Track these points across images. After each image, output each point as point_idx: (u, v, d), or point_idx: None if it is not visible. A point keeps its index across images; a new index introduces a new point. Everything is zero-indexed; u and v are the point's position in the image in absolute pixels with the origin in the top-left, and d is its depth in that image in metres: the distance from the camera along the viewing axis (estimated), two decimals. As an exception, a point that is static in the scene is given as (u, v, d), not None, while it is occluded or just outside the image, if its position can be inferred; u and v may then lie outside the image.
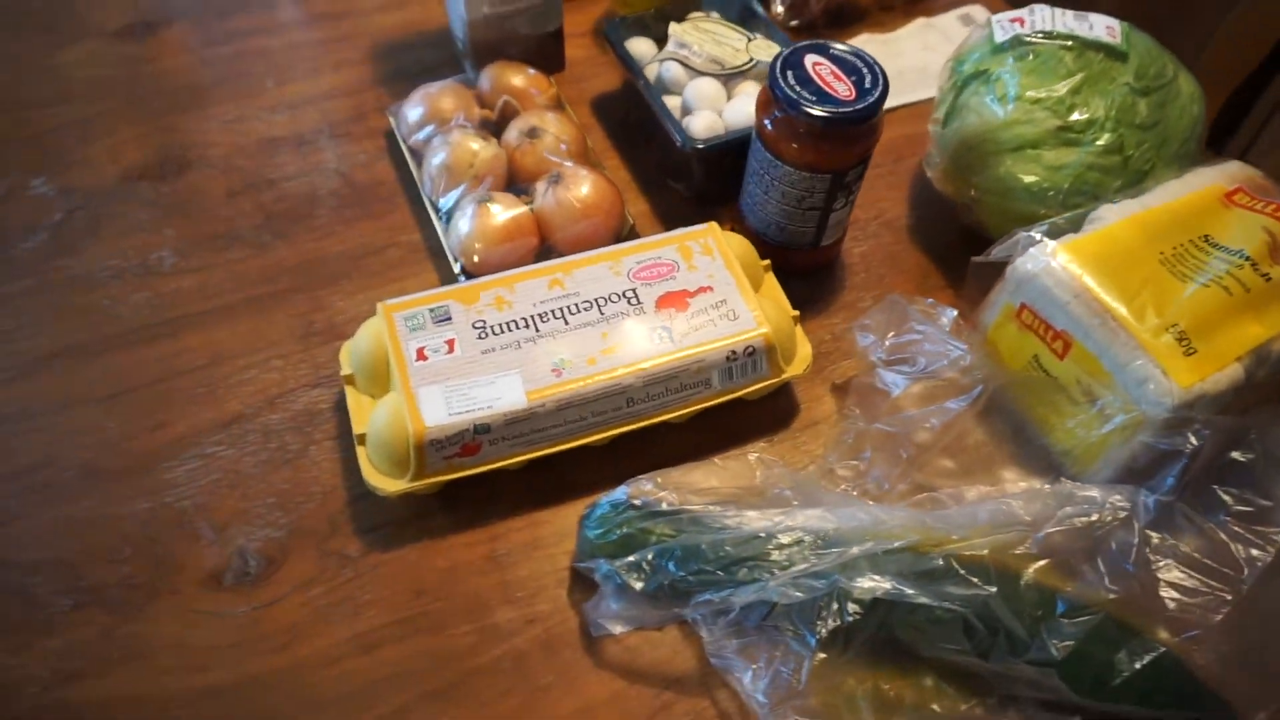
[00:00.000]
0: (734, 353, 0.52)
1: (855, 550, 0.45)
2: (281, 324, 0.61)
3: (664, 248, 0.56)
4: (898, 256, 0.66)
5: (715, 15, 0.69)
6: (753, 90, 0.66)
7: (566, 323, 0.52)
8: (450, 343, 0.51)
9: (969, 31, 0.77)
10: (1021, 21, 0.59)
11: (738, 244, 0.57)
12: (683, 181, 0.67)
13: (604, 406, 0.51)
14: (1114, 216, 0.52)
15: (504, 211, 0.59)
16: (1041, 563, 0.46)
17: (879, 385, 0.54)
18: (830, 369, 0.60)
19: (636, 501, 0.49)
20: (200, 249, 0.64)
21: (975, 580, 0.45)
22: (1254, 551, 0.46)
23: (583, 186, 0.61)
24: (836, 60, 0.55)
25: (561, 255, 0.60)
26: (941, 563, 0.46)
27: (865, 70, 0.54)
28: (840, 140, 0.54)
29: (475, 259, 0.59)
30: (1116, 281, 0.49)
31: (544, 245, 0.61)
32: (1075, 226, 0.54)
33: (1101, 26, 0.57)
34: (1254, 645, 0.45)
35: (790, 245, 0.61)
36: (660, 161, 0.69)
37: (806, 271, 0.63)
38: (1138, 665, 0.44)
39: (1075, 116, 0.55)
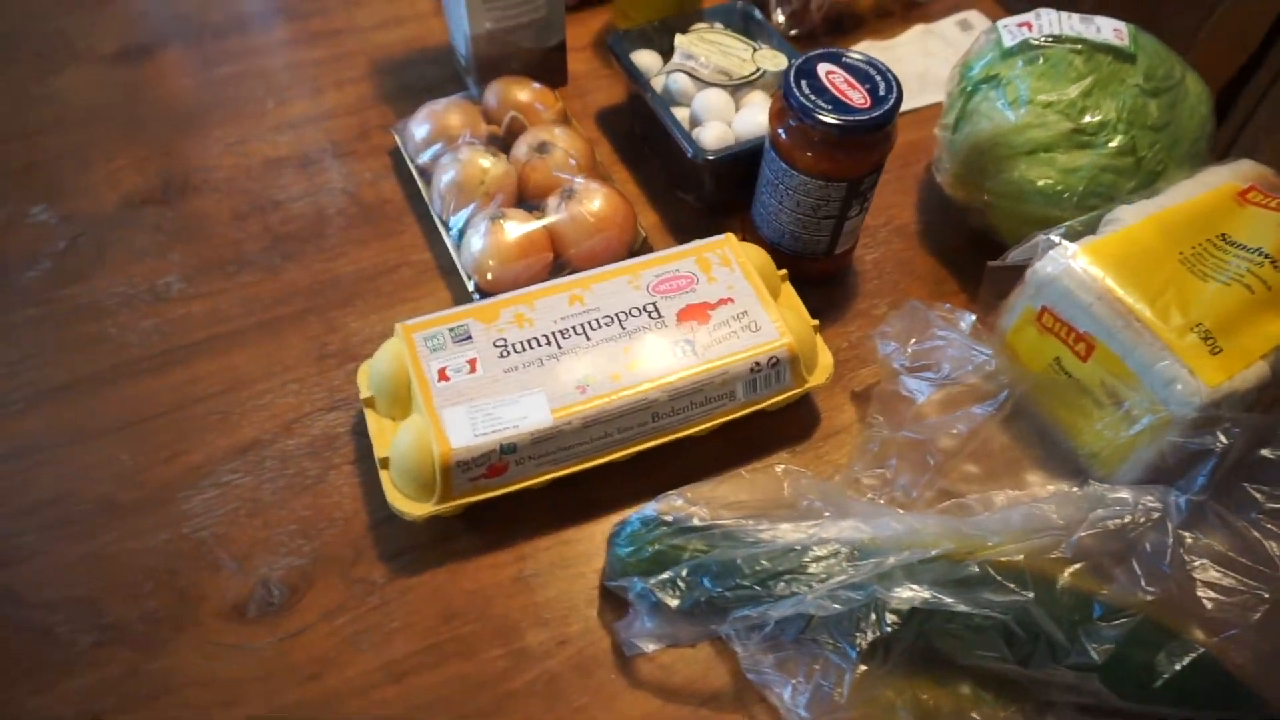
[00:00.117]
0: (758, 364, 0.52)
1: (891, 560, 0.45)
2: (295, 347, 0.60)
3: (682, 260, 0.56)
4: (910, 262, 0.66)
5: (719, 26, 0.69)
6: (760, 100, 0.66)
7: (588, 339, 0.52)
8: (472, 362, 0.51)
9: (968, 37, 0.78)
10: (1029, 26, 0.59)
11: (755, 254, 0.57)
12: (693, 192, 0.67)
13: (629, 422, 0.51)
14: (1131, 217, 0.53)
15: (517, 228, 0.59)
16: (1076, 566, 0.46)
17: (903, 392, 0.54)
18: (849, 377, 0.60)
19: (667, 518, 0.49)
20: (208, 273, 0.63)
21: (1012, 586, 0.45)
22: (1287, 548, 0.46)
23: (595, 201, 0.60)
24: (849, 68, 0.55)
25: (576, 270, 0.60)
26: (977, 570, 0.45)
27: (879, 77, 0.54)
28: (856, 148, 0.54)
29: (489, 276, 0.59)
30: (1138, 282, 0.49)
31: (558, 260, 0.61)
32: (1091, 229, 0.54)
33: (1109, 29, 0.58)
34: (1290, 642, 0.45)
35: (804, 254, 0.61)
36: (669, 173, 0.69)
37: (820, 280, 0.63)
38: (1178, 666, 0.44)
39: (1087, 119, 0.55)
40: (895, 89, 0.54)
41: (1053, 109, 0.56)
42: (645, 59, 0.68)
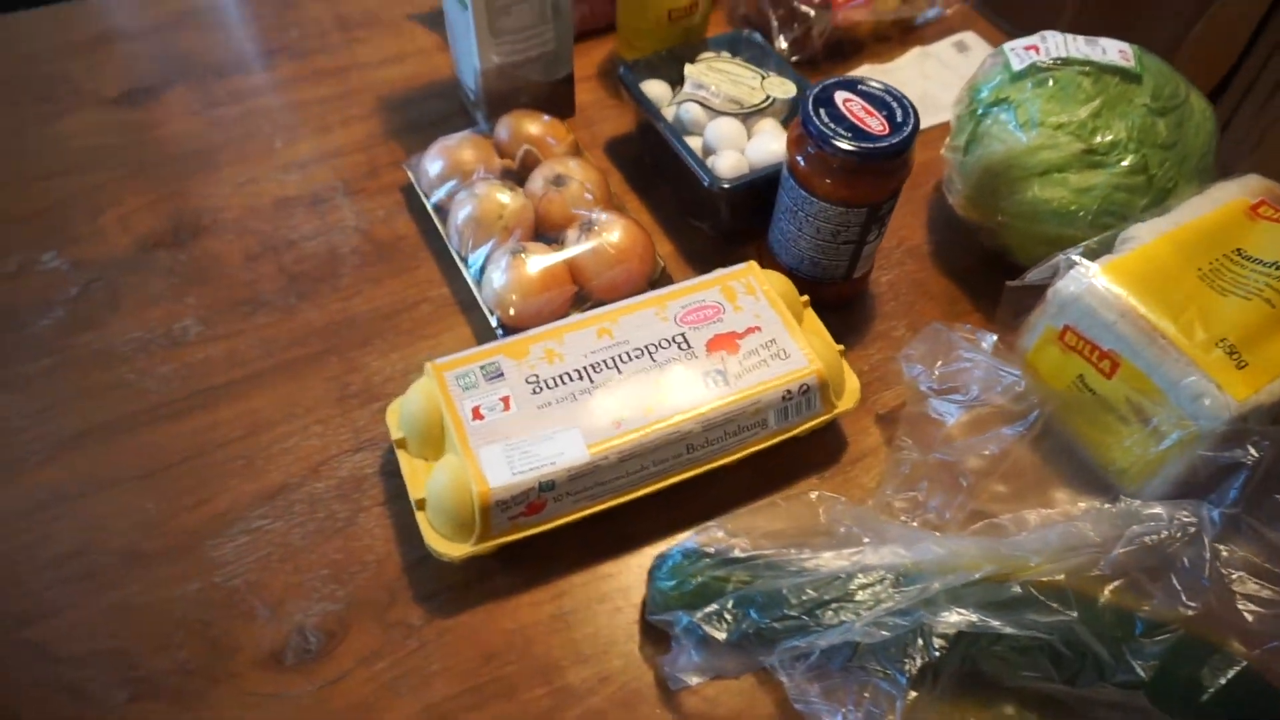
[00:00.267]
0: (789, 392, 0.52)
1: (936, 585, 0.45)
2: (316, 388, 0.60)
3: (707, 290, 0.56)
4: (924, 283, 0.67)
5: (727, 55, 0.70)
6: (772, 128, 0.66)
7: (620, 372, 0.52)
8: (505, 400, 0.51)
9: (965, 58, 0.80)
10: (1036, 49, 0.60)
11: (778, 281, 0.58)
12: (708, 221, 0.67)
13: (664, 455, 0.51)
14: (1147, 235, 0.53)
15: (538, 262, 0.59)
16: (1115, 584, 0.46)
17: (932, 415, 0.54)
18: (872, 400, 0.61)
19: (708, 549, 0.49)
20: (225, 316, 0.63)
21: (1056, 606, 0.45)
22: (1322, 558, 0.47)
23: (615, 232, 0.61)
24: (866, 96, 0.56)
25: (597, 302, 0.60)
26: (1020, 591, 0.46)
27: (895, 104, 0.55)
28: (876, 174, 0.55)
29: (512, 311, 0.59)
30: (1160, 299, 0.50)
31: (578, 293, 0.61)
32: (1107, 247, 0.55)
33: (1114, 50, 0.59)
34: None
35: (823, 279, 0.61)
36: (683, 202, 0.69)
37: (838, 304, 0.64)
38: (1222, 680, 0.44)
39: (1098, 139, 0.56)
40: (912, 115, 0.54)
41: (1064, 130, 0.57)
42: (655, 89, 0.69)
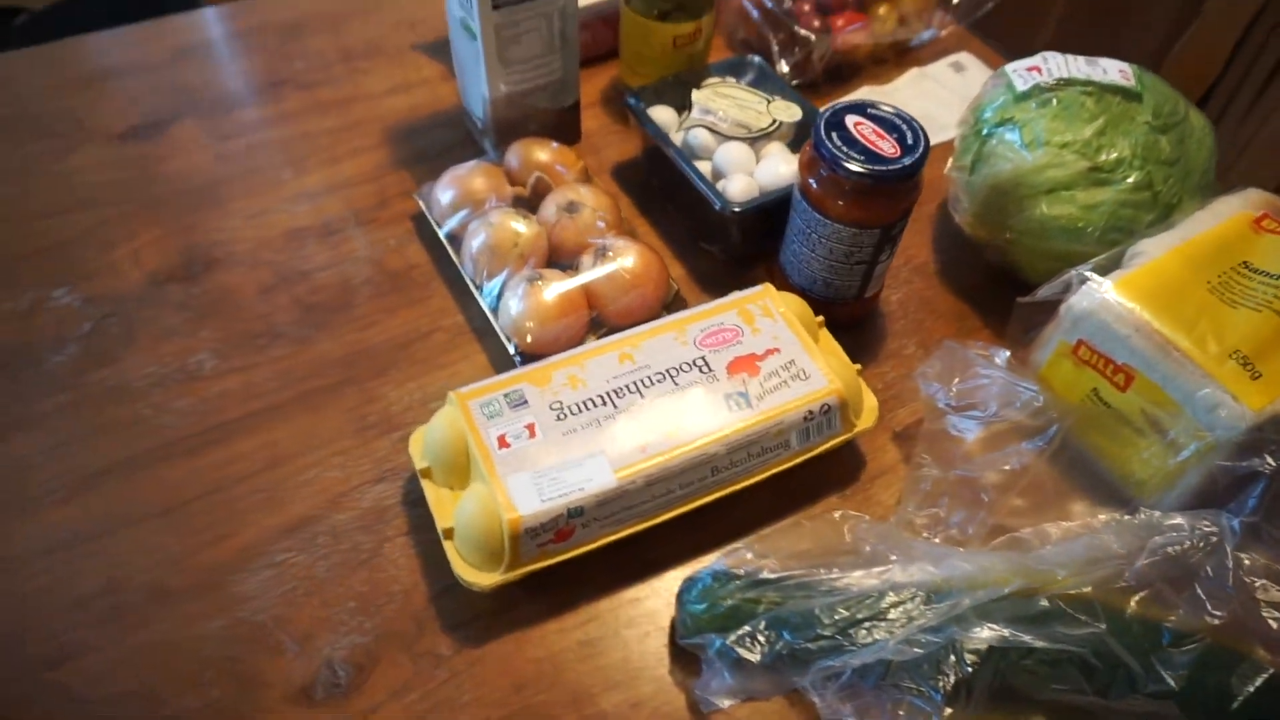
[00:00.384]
0: (811, 412, 0.53)
1: (966, 601, 0.46)
2: (335, 419, 0.60)
3: (725, 313, 0.56)
4: (932, 301, 0.68)
5: (731, 80, 0.71)
6: (779, 151, 0.67)
7: (642, 396, 0.52)
8: (530, 427, 0.51)
9: (961, 78, 0.81)
10: (1038, 70, 0.61)
11: (793, 303, 0.58)
12: (718, 244, 0.68)
13: (690, 478, 0.51)
14: (1156, 250, 0.55)
15: (555, 288, 0.59)
16: (1141, 594, 0.47)
17: (951, 432, 0.55)
18: (888, 417, 0.61)
19: (738, 571, 0.49)
20: (240, 349, 0.63)
21: (1084, 618, 0.45)
22: (1341, 564, 0.47)
23: (629, 257, 0.61)
24: (876, 119, 0.57)
25: (612, 326, 0.61)
26: (1048, 604, 0.46)
27: (905, 127, 0.56)
28: (888, 196, 0.56)
29: (529, 338, 0.59)
30: (1173, 313, 0.51)
31: (594, 318, 0.61)
32: (1115, 263, 0.56)
33: (1115, 70, 0.60)
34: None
35: (835, 299, 0.62)
36: (693, 225, 0.70)
37: (850, 323, 0.65)
38: (1250, 688, 0.45)
39: (1103, 157, 0.57)
40: (923, 138, 0.55)
41: (1070, 149, 0.58)
42: (661, 115, 0.70)
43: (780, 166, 0.65)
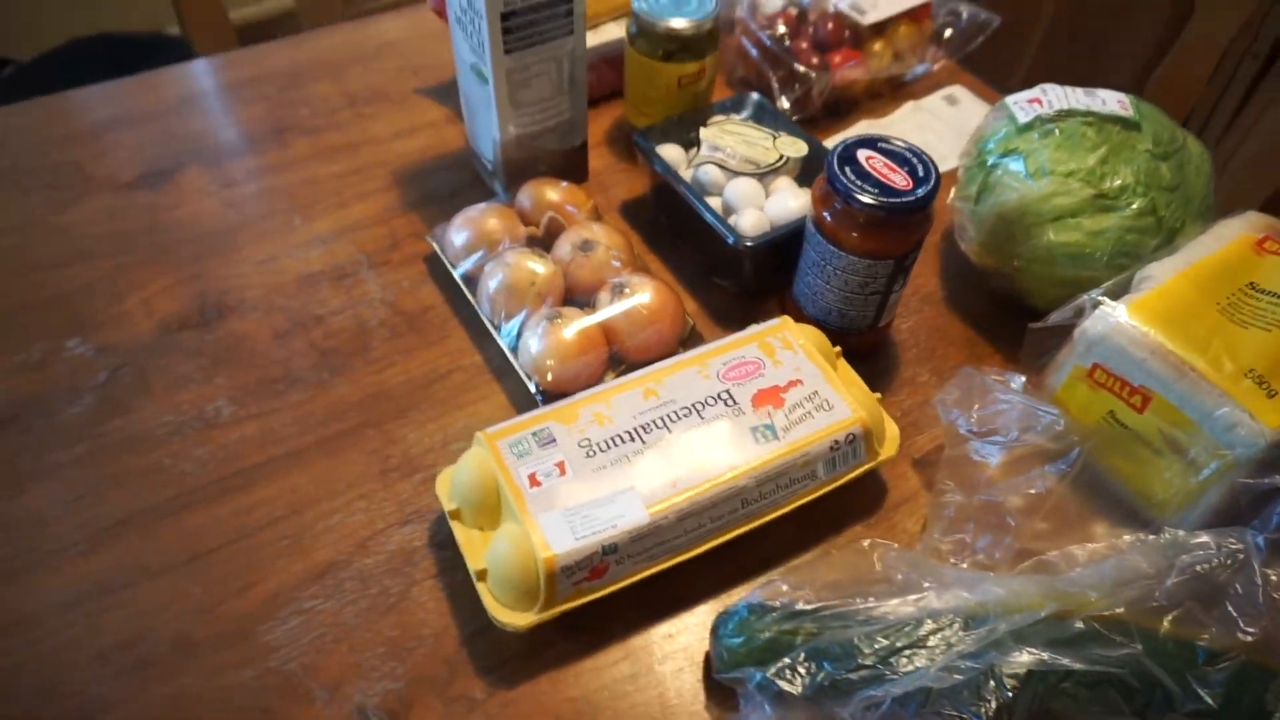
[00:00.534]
0: (836, 442, 0.53)
1: (1002, 626, 0.46)
2: (357, 463, 0.60)
3: (745, 346, 0.57)
4: (943, 329, 0.69)
5: (736, 118, 0.72)
6: (787, 185, 0.68)
7: (669, 431, 0.53)
8: (560, 465, 0.51)
9: (955, 110, 0.83)
10: (1039, 101, 0.63)
11: (812, 334, 0.59)
12: (730, 279, 0.69)
13: (720, 511, 0.51)
14: (1163, 274, 0.56)
15: (574, 326, 0.60)
16: (1173, 614, 0.47)
17: (974, 457, 0.55)
18: (907, 445, 0.62)
19: (773, 604, 0.49)
20: (257, 395, 0.63)
21: (1120, 639, 0.46)
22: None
23: (645, 293, 0.62)
24: (887, 153, 0.58)
25: (630, 362, 0.61)
26: (1083, 626, 0.47)
27: (915, 160, 0.57)
28: (901, 227, 0.57)
29: (549, 376, 0.59)
30: (1186, 335, 0.52)
31: (612, 355, 0.62)
32: (1124, 287, 0.57)
33: (1113, 101, 0.62)
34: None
35: (850, 329, 0.63)
36: (705, 261, 0.71)
37: (865, 353, 0.65)
38: (1287, 703, 0.45)
39: (1107, 184, 0.59)
40: (933, 170, 0.57)
41: (1074, 177, 0.59)
42: (669, 153, 0.71)
43: (790, 200, 0.66)
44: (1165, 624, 0.47)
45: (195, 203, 0.75)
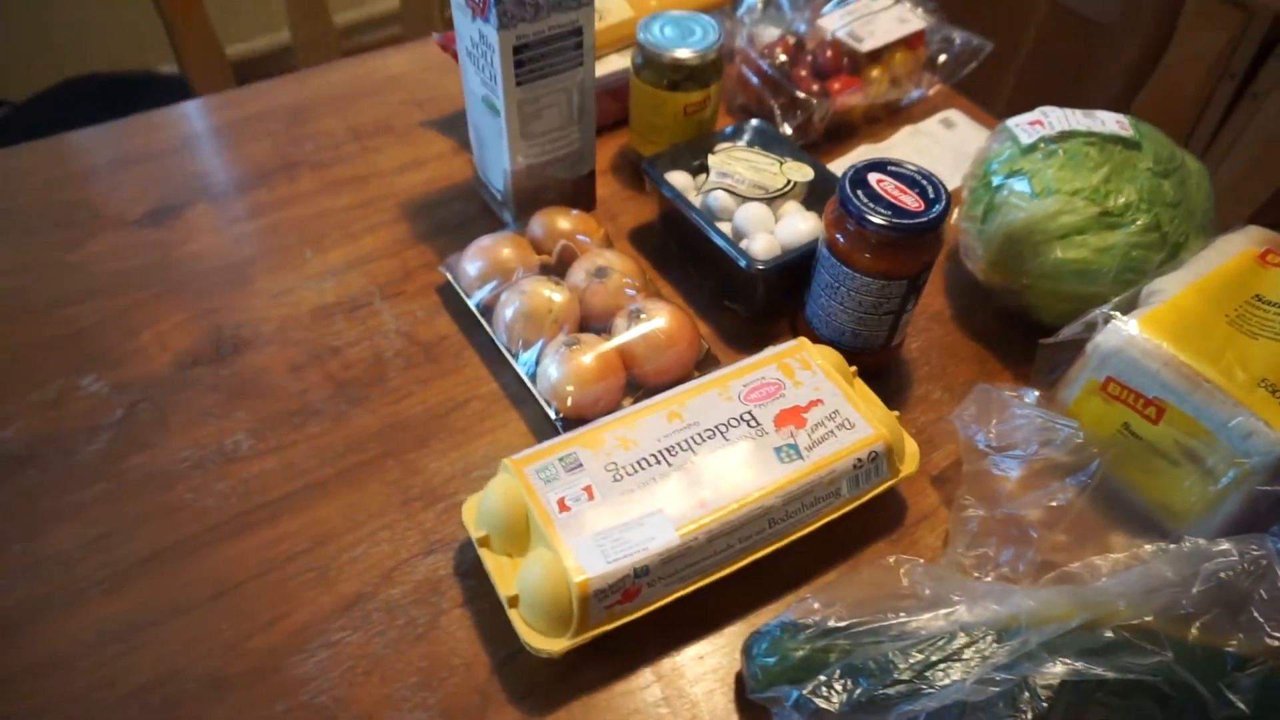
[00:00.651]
0: (859, 460, 0.54)
1: (1034, 638, 0.46)
2: (378, 494, 0.60)
3: (765, 368, 0.58)
4: (952, 347, 0.70)
5: (742, 144, 0.74)
6: (796, 209, 0.70)
7: (695, 453, 0.53)
8: (589, 489, 0.51)
9: (952, 133, 0.85)
10: (1041, 124, 0.65)
11: (829, 355, 0.60)
12: (743, 302, 0.70)
13: (749, 531, 0.52)
14: (1172, 288, 0.57)
15: (593, 352, 0.60)
16: (1201, 620, 0.48)
17: (995, 472, 0.56)
18: (924, 462, 0.62)
19: (806, 622, 0.49)
20: (276, 428, 0.63)
21: (1150, 647, 0.46)
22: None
23: (661, 318, 0.62)
24: (896, 175, 0.59)
25: (647, 386, 0.62)
26: (1113, 635, 0.47)
27: (925, 182, 0.59)
28: (914, 247, 0.58)
29: (569, 402, 0.60)
30: (1198, 346, 0.53)
31: (630, 379, 0.62)
32: (1133, 302, 0.59)
33: (1112, 121, 0.64)
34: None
35: (864, 349, 0.64)
36: (715, 285, 0.72)
37: (877, 371, 0.66)
38: (1316, 707, 0.46)
39: (1112, 202, 0.60)
40: (944, 191, 0.58)
41: (1080, 195, 0.61)
42: (677, 180, 0.72)
43: (800, 224, 0.67)
44: (1193, 632, 0.48)
45: (205, 238, 0.75)
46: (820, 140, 0.84)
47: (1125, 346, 0.55)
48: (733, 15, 0.88)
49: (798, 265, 0.65)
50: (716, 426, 0.55)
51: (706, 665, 0.53)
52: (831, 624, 0.49)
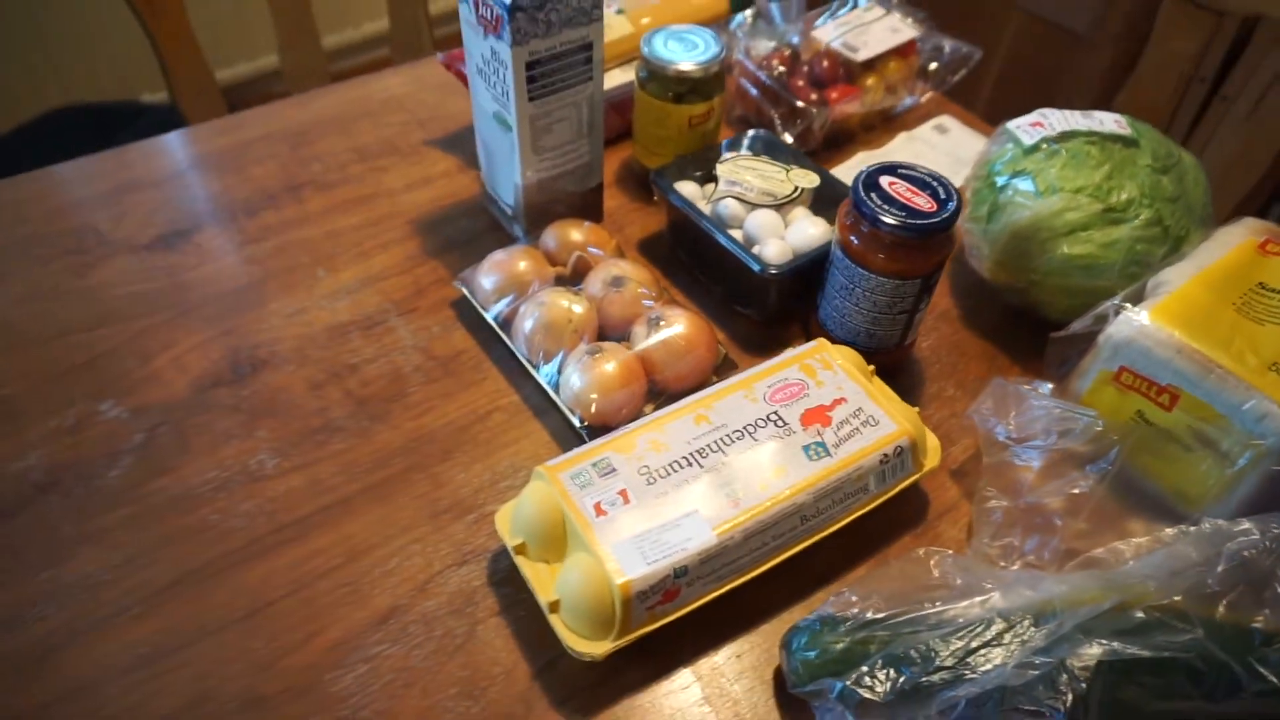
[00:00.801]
0: (886, 455, 0.55)
1: (1069, 621, 0.47)
2: (407, 508, 0.60)
3: (787, 369, 0.59)
4: (962, 344, 0.71)
5: (748, 154, 0.75)
6: (804, 215, 0.71)
7: (725, 454, 0.54)
8: (624, 493, 0.52)
9: (946, 138, 0.86)
10: (1041, 125, 0.67)
11: (848, 354, 0.61)
12: (755, 307, 0.71)
13: (782, 528, 0.53)
14: (1177, 279, 0.59)
15: (615, 360, 0.61)
16: (1228, 598, 0.49)
17: (1016, 463, 0.57)
18: (942, 456, 0.63)
19: (844, 615, 0.50)
20: (299, 446, 0.63)
21: (1182, 626, 0.47)
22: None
23: (679, 324, 0.63)
24: (906, 178, 0.61)
25: (668, 392, 0.63)
26: (1144, 615, 0.48)
27: (936, 184, 0.60)
28: (927, 247, 0.59)
29: (593, 409, 0.60)
30: (1207, 333, 0.55)
31: (650, 385, 0.63)
32: (1140, 294, 0.60)
33: (1110, 121, 0.66)
34: None
35: (879, 349, 0.65)
36: (727, 291, 0.73)
37: (891, 370, 0.67)
38: (1343, 678, 0.47)
39: (1115, 199, 0.62)
40: (954, 192, 0.59)
41: (1083, 193, 0.62)
42: (686, 190, 0.73)
43: (809, 229, 0.68)
44: (1220, 610, 0.49)
45: (216, 260, 0.75)
46: (819, 148, 0.86)
47: (1138, 336, 0.56)
48: (726, 29, 0.90)
49: (809, 269, 0.67)
50: (744, 427, 0.55)
51: (745, 663, 0.53)
52: (870, 616, 0.50)
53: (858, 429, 0.56)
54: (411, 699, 0.51)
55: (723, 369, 0.65)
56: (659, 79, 0.75)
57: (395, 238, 0.78)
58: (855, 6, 0.91)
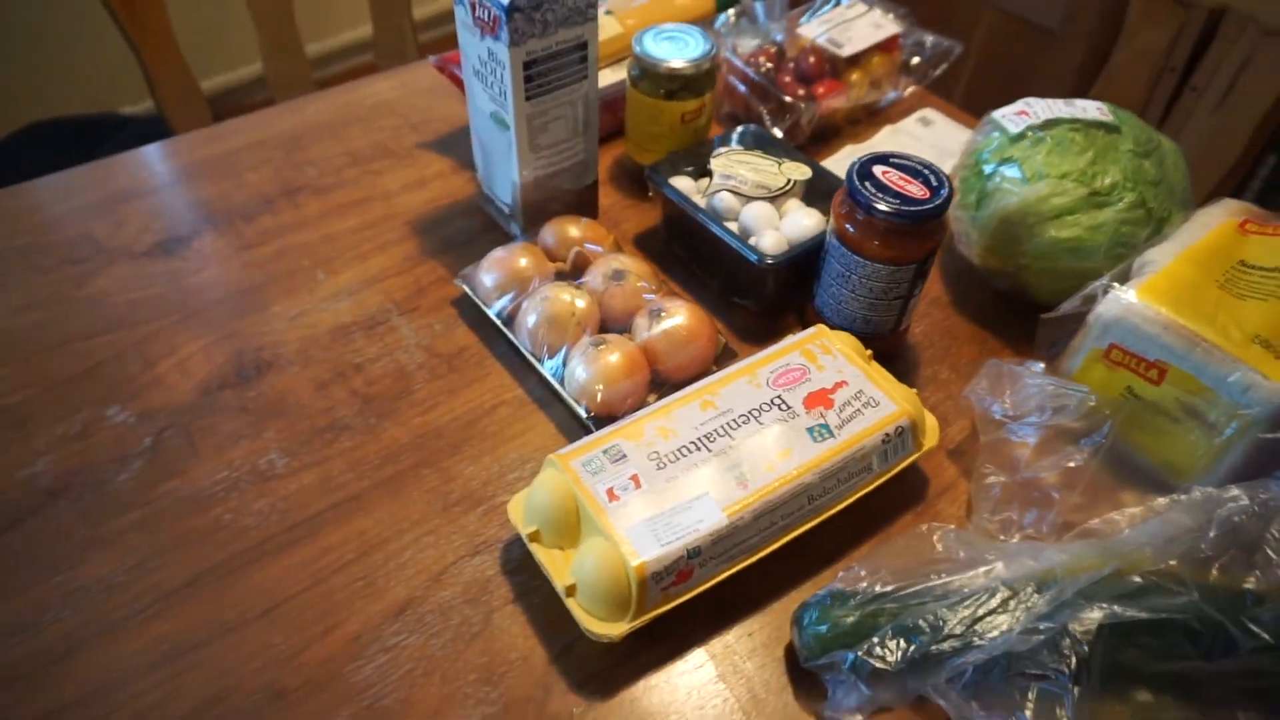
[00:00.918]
0: (888, 435, 0.57)
1: (1070, 587, 0.49)
2: (418, 501, 0.61)
3: (789, 355, 0.60)
4: (953, 329, 0.73)
5: (739, 148, 0.76)
6: (798, 206, 0.72)
7: (732, 438, 0.55)
8: (635, 478, 0.53)
9: (930, 130, 0.88)
10: (1026, 114, 0.68)
11: (847, 339, 0.62)
12: (752, 298, 0.72)
13: (790, 508, 0.54)
14: (1162, 259, 0.61)
15: (620, 351, 0.62)
16: (1219, 562, 0.51)
17: (1013, 439, 0.59)
18: (940, 437, 0.65)
19: (852, 590, 0.51)
20: (308, 445, 0.63)
21: (1177, 589, 0.49)
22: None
23: (680, 315, 0.65)
24: (899, 167, 0.62)
25: (670, 382, 0.64)
26: (1141, 580, 0.50)
27: (927, 171, 0.62)
28: (921, 234, 0.61)
29: (599, 399, 0.62)
30: (1193, 310, 0.57)
31: (653, 375, 0.64)
32: (1126, 275, 0.62)
33: (1093, 109, 0.68)
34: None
35: (874, 334, 0.67)
36: (723, 283, 0.74)
37: (887, 355, 0.69)
38: (1332, 633, 0.49)
39: (1099, 183, 0.64)
40: (945, 179, 0.61)
41: (1069, 178, 0.64)
42: (680, 184, 0.75)
43: (803, 220, 0.70)
44: (1213, 573, 0.51)
45: (216, 265, 0.76)
46: (807, 143, 0.88)
47: (1126, 314, 0.58)
48: (711, 28, 0.91)
49: (804, 259, 0.68)
50: (750, 412, 0.57)
51: (756, 641, 0.55)
52: (878, 589, 0.51)
53: (859, 410, 0.57)
54: (432, 686, 0.52)
55: (723, 358, 0.67)
56: (651, 76, 0.76)
57: (393, 239, 0.79)
58: (838, 4, 0.93)
